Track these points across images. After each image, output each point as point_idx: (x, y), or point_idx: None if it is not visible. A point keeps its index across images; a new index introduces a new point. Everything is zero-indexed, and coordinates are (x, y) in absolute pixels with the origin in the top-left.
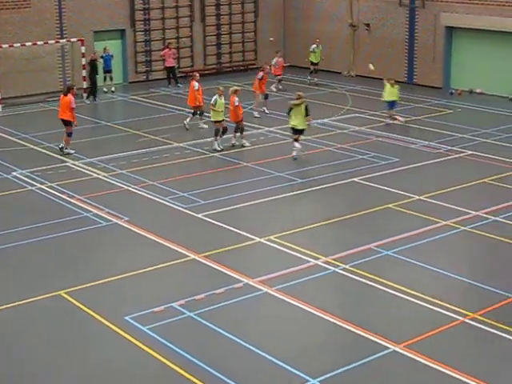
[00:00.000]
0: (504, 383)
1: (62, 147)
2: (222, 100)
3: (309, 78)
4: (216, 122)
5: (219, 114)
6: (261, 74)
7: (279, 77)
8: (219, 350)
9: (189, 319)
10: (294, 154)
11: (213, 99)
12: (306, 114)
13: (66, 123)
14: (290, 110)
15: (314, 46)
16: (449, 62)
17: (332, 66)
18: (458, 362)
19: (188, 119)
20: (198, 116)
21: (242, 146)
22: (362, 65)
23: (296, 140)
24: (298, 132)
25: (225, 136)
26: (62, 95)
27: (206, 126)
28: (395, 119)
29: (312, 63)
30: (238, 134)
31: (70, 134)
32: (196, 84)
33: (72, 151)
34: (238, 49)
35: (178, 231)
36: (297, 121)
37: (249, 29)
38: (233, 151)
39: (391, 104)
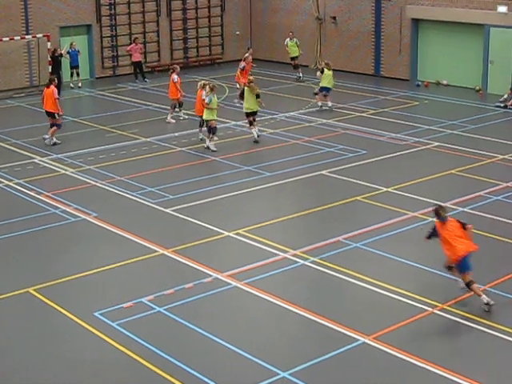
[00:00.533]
0: (474, 373)
1: (46, 138)
2: (215, 97)
3: (298, 74)
4: (211, 120)
5: (213, 112)
6: (243, 64)
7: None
8: (189, 345)
9: (158, 314)
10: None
11: (207, 98)
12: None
13: (50, 114)
14: (242, 93)
15: (288, 39)
16: (415, 54)
17: (299, 59)
18: (427, 352)
19: (169, 115)
20: (177, 109)
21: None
22: (329, 58)
23: (251, 123)
24: (251, 115)
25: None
26: (44, 88)
27: (186, 117)
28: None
29: (291, 58)
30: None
31: (58, 126)
32: (175, 77)
33: (58, 141)
34: (204, 43)
35: (146, 226)
36: (248, 104)
37: (215, 23)
38: (200, 146)
39: (326, 89)
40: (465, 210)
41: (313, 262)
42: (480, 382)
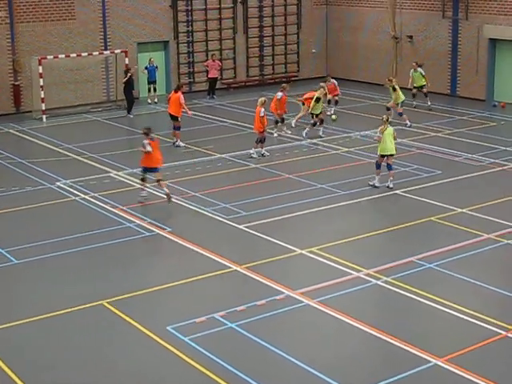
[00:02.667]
0: None
1: (174, 142)
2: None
3: (427, 103)
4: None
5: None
6: (280, 94)
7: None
8: (260, 362)
9: (230, 330)
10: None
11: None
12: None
13: (174, 118)
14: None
15: (412, 70)
16: (492, 74)
17: (375, 77)
18: (500, 376)
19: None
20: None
21: (262, 155)
22: (405, 77)
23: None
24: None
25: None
26: (172, 92)
27: (289, 132)
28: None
29: (414, 87)
30: (259, 145)
31: (178, 128)
32: (280, 94)
33: (182, 144)
34: (280, 61)
35: (219, 242)
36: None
37: (291, 41)
38: (274, 163)
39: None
40: None
41: (385, 282)
42: None
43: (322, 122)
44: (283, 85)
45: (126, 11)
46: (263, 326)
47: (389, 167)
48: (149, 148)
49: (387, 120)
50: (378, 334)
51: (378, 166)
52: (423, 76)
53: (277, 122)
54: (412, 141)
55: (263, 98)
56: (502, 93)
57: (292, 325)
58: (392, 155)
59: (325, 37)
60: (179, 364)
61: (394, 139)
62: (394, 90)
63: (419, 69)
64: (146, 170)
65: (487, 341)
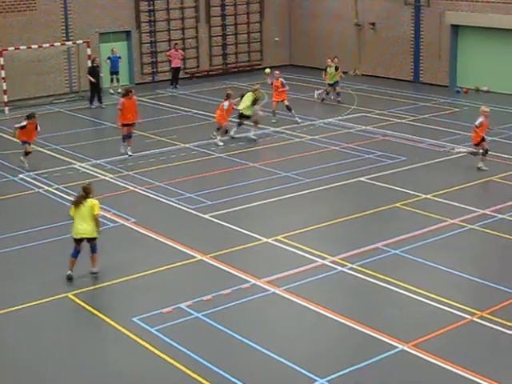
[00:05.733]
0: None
1: (126, 152)
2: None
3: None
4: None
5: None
6: (226, 103)
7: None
8: (227, 351)
9: (197, 320)
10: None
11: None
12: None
13: (132, 124)
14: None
15: (328, 65)
16: (455, 60)
17: (338, 65)
18: (465, 360)
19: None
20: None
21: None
22: (368, 64)
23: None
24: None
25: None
26: (123, 99)
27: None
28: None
29: (329, 84)
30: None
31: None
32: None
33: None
34: (243, 49)
35: (185, 232)
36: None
37: (254, 29)
38: (239, 152)
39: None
40: (504, 217)
41: (351, 269)
42: None
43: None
44: (228, 92)
45: (88, 1)
46: (230, 315)
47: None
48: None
49: None
50: (345, 321)
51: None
52: (337, 70)
53: (218, 129)
54: (376, 127)
55: (249, 92)
56: (464, 79)
57: (258, 313)
58: None
59: (288, 25)
60: (146, 355)
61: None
62: (337, 69)
63: (334, 64)
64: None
65: (453, 325)
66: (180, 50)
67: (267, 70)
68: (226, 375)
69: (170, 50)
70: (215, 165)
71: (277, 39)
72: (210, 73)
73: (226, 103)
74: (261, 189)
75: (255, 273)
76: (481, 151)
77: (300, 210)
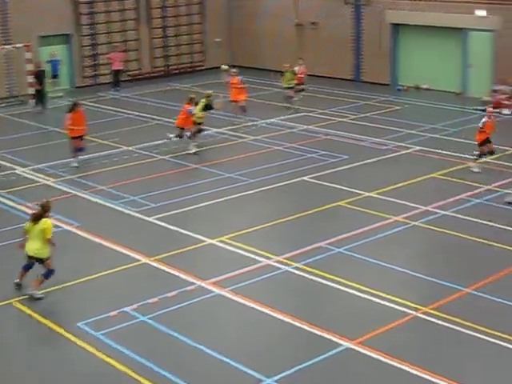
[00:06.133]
0: (458, 376)
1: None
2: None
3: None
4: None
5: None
6: (191, 108)
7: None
8: (174, 353)
9: (142, 323)
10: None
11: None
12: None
13: (80, 137)
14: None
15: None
16: (395, 58)
17: (279, 65)
18: (410, 355)
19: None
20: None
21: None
22: (310, 63)
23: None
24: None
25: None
26: (71, 114)
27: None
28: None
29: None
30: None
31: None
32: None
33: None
34: (185, 51)
35: (129, 235)
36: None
37: (196, 30)
38: (182, 153)
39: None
40: (446, 213)
41: (296, 268)
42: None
43: (200, 131)
44: (191, 96)
45: (27, 4)
46: (175, 317)
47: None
48: None
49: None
50: (291, 320)
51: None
52: (295, 75)
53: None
54: (318, 127)
55: (202, 100)
56: (405, 77)
57: (204, 315)
58: None
59: (229, 25)
60: (92, 360)
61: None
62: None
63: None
64: None
65: (398, 322)
66: (121, 53)
67: (224, 67)
68: (173, 378)
69: (111, 52)
70: (158, 167)
71: (218, 40)
72: (152, 75)
73: (191, 108)
74: (204, 190)
75: (200, 274)
76: (475, 153)
77: (244, 210)
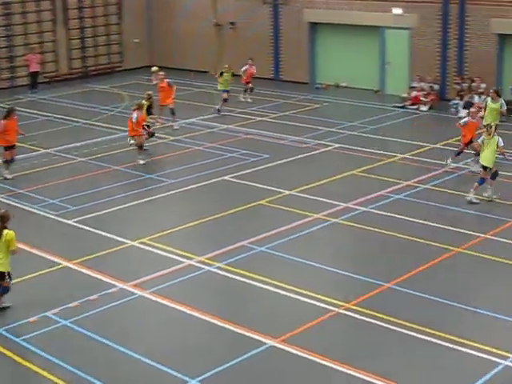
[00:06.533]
0: (380, 369)
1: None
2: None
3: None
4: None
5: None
6: (135, 115)
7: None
8: (96, 357)
9: (64, 328)
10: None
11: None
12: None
13: (12, 147)
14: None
15: (224, 70)
16: (314, 57)
17: (199, 65)
18: (334, 351)
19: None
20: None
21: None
22: (229, 63)
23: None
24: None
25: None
26: (5, 121)
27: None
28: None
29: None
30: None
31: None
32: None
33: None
34: (103, 52)
35: (48, 239)
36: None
37: (113, 31)
38: (101, 155)
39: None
40: (367, 209)
41: (218, 268)
42: (386, 377)
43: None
44: (141, 103)
45: None
46: (97, 320)
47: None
48: None
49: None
50: (214, 320)
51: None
52: (233, 76)
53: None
54: (238, 126)
55: (143, 101)
56: (324, 75)
57: (127, 317)
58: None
59: (147, 26)
60: (13, 366)
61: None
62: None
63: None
64: None
65: (321, 318)
66: (38, 55)
67: (154, 68)
68: (96, 381)
69: (27, 54)
70: (78, 169)
71: (136, 40)
72: (70, 76)
73: (135, 114)
74: (125, 192)
75: (122, 277)
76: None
77: (165, 211)
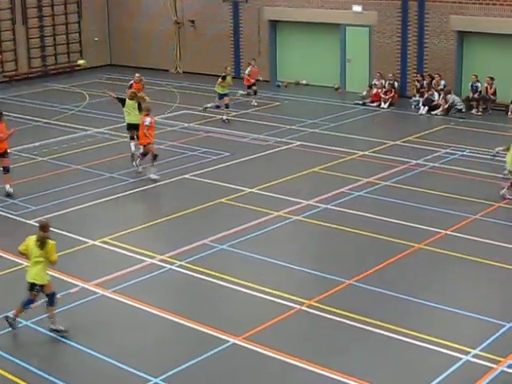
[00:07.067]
0: (342, 365)
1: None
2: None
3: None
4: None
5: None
6: (148, 119)
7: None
8: (59, 358)
9: (25, 328)
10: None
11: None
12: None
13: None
14: (123, 102)
15: (227, 73)
16: (274, 55)
17: (159, 63)
18: (296, 349)
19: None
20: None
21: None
22: (189, 62)
23: (132, 138)
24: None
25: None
26: None
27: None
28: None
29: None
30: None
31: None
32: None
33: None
34: (63, 50)
35: (7, 239)
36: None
37: (73, 30)
38: (62, 154)
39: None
40: (328, 206)
41: (180, 266)
42: (348, 373)
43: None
44: (147, 106)
45: None
46: (59, 320)
47: None
48: None
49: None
50: (176, 319)
51: None
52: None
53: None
54: (199, 124)
55: (149, 104)
56: (284, 73)
57: (88, 317)
58: None
59: (107, 24)
60: None
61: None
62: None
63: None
64: None
65: (283, 316)
66: None
67: (81, 62)
68: (58, 381)
69: None
70: (38, 168)
71: (96, 39)
72: (30, 75)
73: (148, 119)
74: (86, 191)
75: (83, 276)
76: None
77: (126, 210)
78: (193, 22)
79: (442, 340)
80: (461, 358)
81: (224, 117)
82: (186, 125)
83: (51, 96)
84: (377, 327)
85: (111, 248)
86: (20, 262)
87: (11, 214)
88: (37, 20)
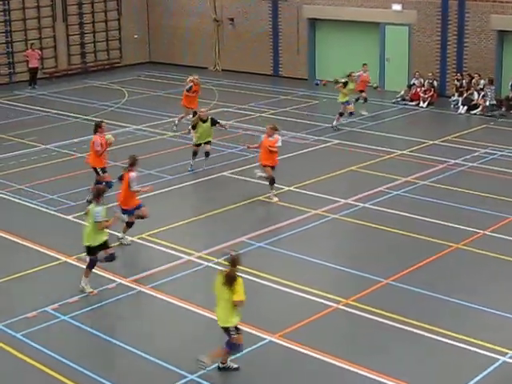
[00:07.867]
0: (379, 365)
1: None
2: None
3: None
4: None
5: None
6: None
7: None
8: (95, 352)
9: (63, 323)
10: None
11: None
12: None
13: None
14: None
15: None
16: (313, 53)
17: (198, 61)
18: (333, 347)
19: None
20: None
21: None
22: (229, 59)
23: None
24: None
25: None
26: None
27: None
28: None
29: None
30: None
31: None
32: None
33: None
34: (102, 47)
35: (48, 234)
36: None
37: (113, 27)
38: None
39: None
40: (366, 205)
41: (217, 263)
42: (385, 373)
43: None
44: (202, 111)
45: None
46: (96, 316)
47: None
48: None
49: None
50: (213, 316)
51: None
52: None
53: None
54: (237, 122)
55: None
56: (323, 71)
57: (126, 313)
58: None
59: (146, 22)
60: (14, 361)
61: None
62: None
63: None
64: None
65: (320, 314)
66: (37, 50)
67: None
68: (95, 376)
69: (26, 50)
70: (76, 165)
71: (136, 36)
72: (69, 72)
73: (281, 138)
74: None
75: (121, 272)
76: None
77: (165, 207)
78: (232, 20)
79: (479, 341)
80: (498, 359)
81: (334, 123)
82: (223, 122)
83: (90, 93)
84: (414, 327)
85: (148, 244)
86: (58, 257)
87: (50, 209)
88: (77, 17)
